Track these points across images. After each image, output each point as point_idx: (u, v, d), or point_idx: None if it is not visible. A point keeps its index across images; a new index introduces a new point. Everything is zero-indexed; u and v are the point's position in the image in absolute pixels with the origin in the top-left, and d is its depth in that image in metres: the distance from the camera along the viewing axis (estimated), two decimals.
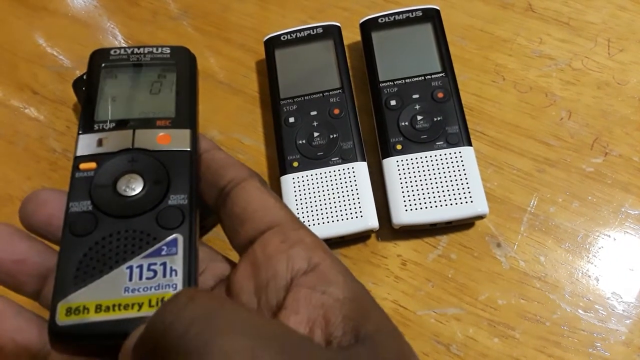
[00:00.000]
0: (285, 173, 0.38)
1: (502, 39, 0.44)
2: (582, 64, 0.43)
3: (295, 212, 0.37)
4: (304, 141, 0.39)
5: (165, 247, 0.20)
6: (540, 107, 0.41)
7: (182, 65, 0.25)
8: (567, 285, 0.35)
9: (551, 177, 0.39)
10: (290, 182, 0.37)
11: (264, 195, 0.22)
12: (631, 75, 0.42)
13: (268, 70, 0.42)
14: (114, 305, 0.19)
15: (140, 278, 0.19)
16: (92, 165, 0.22)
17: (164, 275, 0.20)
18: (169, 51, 0.25)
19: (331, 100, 0.40)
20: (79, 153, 0.22)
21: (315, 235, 0.21)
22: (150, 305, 0.19)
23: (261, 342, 0.15)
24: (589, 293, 0.35)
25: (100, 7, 0.50)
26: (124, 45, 0.48)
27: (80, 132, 0.23)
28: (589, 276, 0.36)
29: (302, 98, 0.40)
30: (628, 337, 0.34)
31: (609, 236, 0.37)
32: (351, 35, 0.44)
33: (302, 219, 0.36)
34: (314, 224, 0.36)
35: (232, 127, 0.43)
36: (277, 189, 0.38)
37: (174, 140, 0.23)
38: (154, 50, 0.25)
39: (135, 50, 0.25)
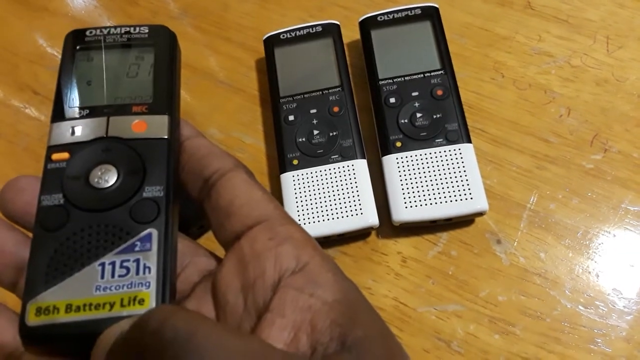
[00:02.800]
0: (285, 171, 0.38)
1: (501, 36, 0.44)
2: (581, 61, 0.43)
3: (295, 210, 0.37)
4: (303, 139, 0.39)
5: (138, 243, 0.19)
6: (539, 104, 0.41)
7: (161, 46, 0.24)
8: (568, 282, 0.35)
9: (551, 173, 0.39)
10: (290, 179, 0.38)
11: (251, 187, 0.21)
12: (630, 72, 0.42)
13: (268, 69, 0.42)
14: (84, 305, 0.18)
15: (113, 276, 0.19)
16: (65, 155, 0.21)
17: (137, 273, 0.19)
18: (147, 31, 0.24)
19: (331, 98, 0.40)
20: (51, 142, 0.21)
21: (305, 231, 0.21)
22: (121, 305, 0.18)
23: None
24: (590, 289, 0.35)
25: (100, 7, 0.51)
26: None
27: (52, 120, 0.22)
28: (589, 272, 0.36)
29: (302, 96, 0.40)
30: (629, 333, 0.34)
31: (609, 232, 0.37)
32: (350, 34, 0.44)
33: (302, 217, 0.36)
34: (313, 222, 0.36)
35: (232, 126, 0.43)
36: (277, 187, 0.38)
37: (151, 127, 0.21)
38: (132, 30, 0.24)
39: (112, 30, 0.24)
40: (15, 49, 0.49)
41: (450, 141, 0.37)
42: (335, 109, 0.39)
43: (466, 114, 0.38)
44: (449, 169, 0.36)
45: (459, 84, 0.39)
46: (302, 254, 0.20)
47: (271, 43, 0.43)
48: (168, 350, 0.15)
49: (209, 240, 0.38)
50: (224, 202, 0.21)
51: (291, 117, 0.39)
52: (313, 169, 0.38)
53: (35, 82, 0.47)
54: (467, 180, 0.36)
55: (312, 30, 0.42)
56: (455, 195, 0.36)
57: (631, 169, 0.38)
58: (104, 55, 0.23)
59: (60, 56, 0.47)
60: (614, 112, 0.40)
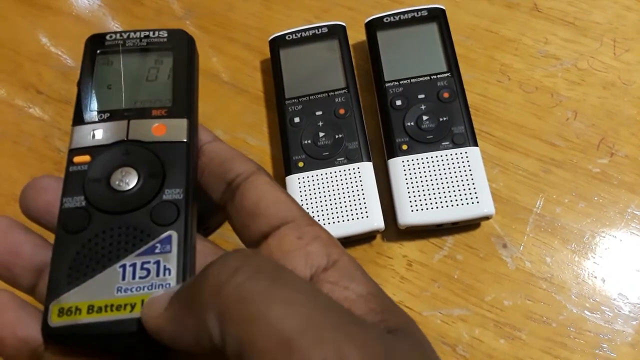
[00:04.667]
0: (290, 173, 0.38)
1: (507, 38, 0.44)
2: (588, 64, 0.42)
3: None
4: (309, 141, 0.38)
5: (159, 245, 0.19)
6: (546, 107, 0.41)
7: (180, 50, 0.24)
8: (573, 286, 0.35)
9: (557, 177, 0.38)
10: (295, 182, 0.37)
11: (275, 190, 0.21)
12: (637, 76, 0.42)
13: (273, 70, 0.42)
14: (106, 306, 0.18)
15: (133, 277, 0.19)
16: (86, 158, 0.21)
17: (157, 275, 0.19)
18: (166, 35, 0.24)
19: (336, 100, 0.40)
20: (73, 146, 0.21)
21: (329, 232, 0.21)
22: (142, 306, 0.18)
23: (318, 305, 0.16)
24: (595, 294, 0.35)
25: (104, 6, 0.50)
26: None
27: (73, 123, 0.22)
28: (595, 277, 0.35)
29: (307, 98, 0.40)
30: (634, 338, 0.34)
31: (615, 237, 0.37)
32: (356, 35, 0.44)
33: None
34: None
35: (237, 127, 0.43)
36: None
37: (170, 130, 0.22)
38: (151, 34, 0.24)
39: (132, 34, 0.24)
40: (19, 48, 0.49)
41: (456, 144, 0.37)
42: (341, 111, 0.39)
43: (472, 117, 0.38)
44: (455, 172, 0.36)
45: (465, 86, 0.39)
46: (331, 252, 0.20)
47: (277, 44, 0.42)
48: (264, 270, 0.16)
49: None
50: (249, 204, 0.21)
51: (297, 119, 0.39)
52: (318, 172, 0.37)
53: (39, 81, 0.47)
54: (473, 183, 0.36)
55: (318, 31, 0.42)
56: (461, 199, 0.36)
57: (638, 174, 0.38)
58: (123, 60, 0.24)
59: (63, 55, 0.47)
60: (621, 115, 0.40)
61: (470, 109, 0.38)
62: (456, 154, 0.37)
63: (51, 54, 0.48)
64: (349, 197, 0.36)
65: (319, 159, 0.38)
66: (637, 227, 0.37)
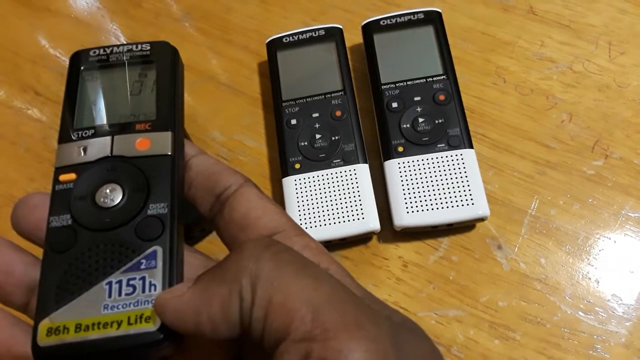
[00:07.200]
0: (287, 175, 0.38)
1: (503, 41, 0.44)
2: (583, 67, 0.43)
3: (297, 214, 0.37)
4: (305, 143, 0.39)
5: (144, 261, 0.19)
6: (541, 110, 0.41)
7: (163, 62, 0.24)
8: (568, 288, 0.35)
9: (552, 179, 0.39)
10: (292, 183, 0.38)
11: (264, 201, 0.22)
12: (632, 78, 0.42)
13: (270, 72, 0.42)
14: (93, 324, 0.18)
15: (120, 294, 0.19)
16: (72, 176, 0.21)
17: (143, 291, 0.19)
18: (149, 47, 0.24)
19: (333, 102, 0.40)
20: (58, 164, 0.21)
21: (317, 242, 0.21)
22: (129, 323, 0.18)
23: (339, 285, 0.18)
24: (589, 295, 0.35)
25: (102, 8, 0.51)
26: None
27: (59, 141, 0.22)
28: (590, 278, 0.36)
29: (304, 100, 0.40)
30: (628, 339, 0.34)
31: (610, 238, 0.37)
32: (353, 37, 0.44)
33: (304, 221, 0.36)
34: (315, 226, 0.36)
35: (234, 129, 0.43)
36: (278, 191, 0.39)
37: (154, 144, 0.22)
38: (134, 47, 0.24)
39: (115, 49, 0.24)
40: (18, 50, 0.49)
41: (452, 146, 0.37)
42: (338, 113, 0.39)
43: (468, 119, 0.38)
44: (450, 174, 0.36)
45: (460, 88, 0.39)
46: (322, 260, 0.20)
47: (274, 46, 0.43)
48: (294, 251, 0.18)
49: (211, 244, 0.38)
50: (238, 216, 0.21)
51: (293, 121, 0.39)
52: (315, 173, 0.38)
53: (38, 83, 0.47)
54: (468, 185, 0.36)
55: (315, 34, 0.42)
56: (456, 201, 0.36)
57: (632, 176, 0.38)
58: (107, 75, 0.24)
59: (62, 57, 0.47)
60: (616, 118, 0.41)
61: (465, 111, 0.39)
62: (451, 156, 0.37)
63: (50, 55, 0.48)
64: (345, 198, 0.37)
65: (316, 161, 0.38)
66: (631, 228, 0.37)
